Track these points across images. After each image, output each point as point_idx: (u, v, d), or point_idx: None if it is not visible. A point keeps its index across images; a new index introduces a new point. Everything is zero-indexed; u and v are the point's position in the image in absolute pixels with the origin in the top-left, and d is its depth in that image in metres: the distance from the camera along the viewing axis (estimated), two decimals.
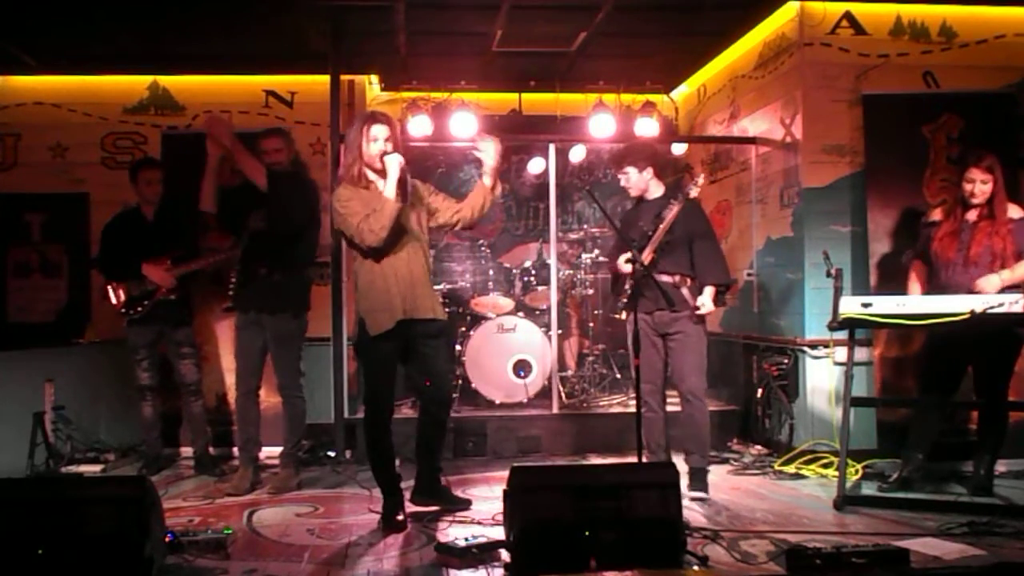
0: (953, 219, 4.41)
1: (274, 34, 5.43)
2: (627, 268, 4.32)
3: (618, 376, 6.44)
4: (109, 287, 5.00)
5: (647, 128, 6.36)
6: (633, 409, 4.26)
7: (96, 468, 5.16)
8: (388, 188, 3.79)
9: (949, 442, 4.75)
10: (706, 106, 6.70)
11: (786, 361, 5.33)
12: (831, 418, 4.93)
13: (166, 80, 5.99)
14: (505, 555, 3.27)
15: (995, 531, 3.61)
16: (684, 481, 4.34)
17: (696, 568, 3.18)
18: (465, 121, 6.08)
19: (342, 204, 3.87)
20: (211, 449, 5.30)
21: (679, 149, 6.91)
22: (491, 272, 6.62)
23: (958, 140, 5.08)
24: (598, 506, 3.10)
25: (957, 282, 4.29)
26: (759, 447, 5.47)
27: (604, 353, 6.45)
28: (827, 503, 4.17)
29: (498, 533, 3.49)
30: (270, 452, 5.00)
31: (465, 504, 4.18)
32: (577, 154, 7.01)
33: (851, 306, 4.10)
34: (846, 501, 4.09)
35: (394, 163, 3.80)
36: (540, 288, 6.35)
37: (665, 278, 4.36)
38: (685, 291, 4.39)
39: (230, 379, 5.22)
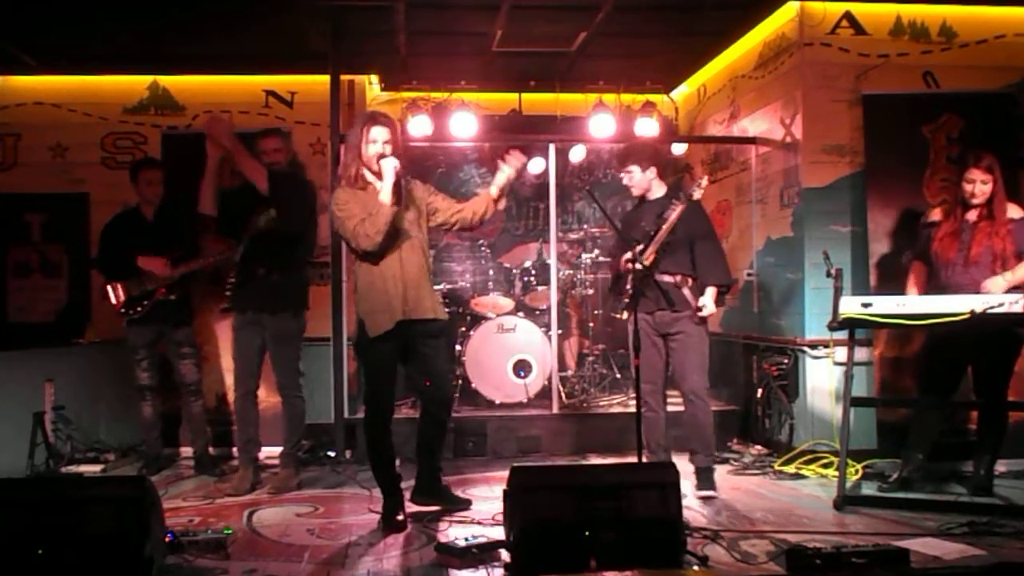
0: (953, 219, 4.41)
1: (274, 34, 5.43)
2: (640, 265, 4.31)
3: (618, 376, 6.44)
4: (109, 287, 5.00)
5: (647, 128, 6.36)
6: (633, 409, 4.26)
7: (96, 468, 5.16)
8: (384, 192, 3.79)
9: (949, 442, 4.75)
10: (706, 106, 6.70)
11: (786, 361, 5.33)
12: (831, 418, 4.93)
13: (166, 80, 5.98)
14: (505, 555, 3.27)
15: (995, 531, 3.61)
16: (691, 481, 4.41)
17: (696, 568, 3.18)
18: (465, 121, 6.09)
19: (339, 207, 3.88)
20: (211, 449, 5.30)
21: (679, 149, 6.91)
22: (491, 272, 6.62)
23: (958, 140, 5.08)
24: (598, 506, 3.10)
25: (957, 282, 4.29)
26: (759, 447, 5.47)
27: (604, 353, 6.45)
28: (827, 503, 4.17)
29: (498, 533, 3.49)
30: (270, 452, 5.00)
31: (465, 504, 4.18)
32: (577, 154, 7.01)
33: (851, 306, 4.10)
34: (846, 501, 4.09)
35: (390, 167, 3.80)
36: (540, 288, 6.35)
37: (666, 278, 4.37)
38: (686, 291, 4.39)
39: (230, 379, 5.21)
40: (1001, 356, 4.37)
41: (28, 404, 5.02)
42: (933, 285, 4.44)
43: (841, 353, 4.79)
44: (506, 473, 3.26)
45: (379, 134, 3.87)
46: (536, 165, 6.86)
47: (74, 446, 5.31)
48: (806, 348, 5.13)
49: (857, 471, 4.69)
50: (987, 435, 4.50)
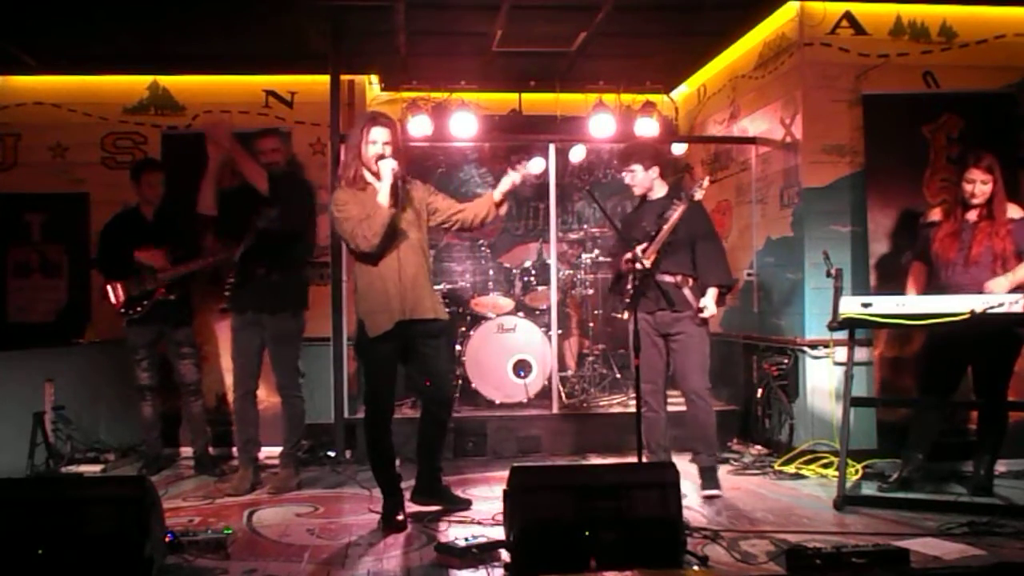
0: (953, 220, 4.41)
1: (274, 34, 5.43)
2: (643, 264, 4.30)
3: (618, 376, 6.44)
4: (109, 287, 5.00)
5: (647, 128, 6.36)
6: (633, 409, 4.26)
7: (96, 468, 5.16)
8: (381, 194, 3.79)
9: (949, 442, 4.74)
10: (706, 106, 6.70)
11: (786, 361, 5.33)
12: (831, 418, 4.93)
13: (166, 80, 5.99)
14: (505, 555, 3.27)
15: (995, 531, 3.61)
16: (691, 481, 4.42)
17: (696, 568, 3.18)
18: (465, 121, 6.09)
19: (338, 208, 3.88)
20: (211, 449, 5.30)
21: (679, 149, 6.91)
22: (491, 272, 6.62)
23: (958, 140, 5.08)
24: (598, 506, 3.10)
25: (957, 282, 4.29)
26: (759, 447, 5.47)
27: (604, 353, 6.45)
28: (827, 503, 4.17)
29: (498, 533, 3.49)
30: (270, 452, 5.00)
31: (465, 504, 4.18)
32: (577, 154, 7.01)
33: (851, 306, 4.09)
34: (846, 501, 4.09)
35: (387, 169, 3.80)
36: (540, 288, 6.35)
37: (667, 278, 4.37)
38: (687, 291, 4.39)
39: (230, 379, 5.21)
40: (1001, 356, 4.36)
41: (28, 404, 5.02)
42: (933, 285, 4.43)
43: (841, 353, 4.79)
44: (506, 473, 3.26)
45: (379, 135, 3.87)
46: (536, 165, 6.86)
47: (74, 446, 5.32)
48: (806, 348, 5.13)
49: (857, 471, 4.69)
50: (987, 435, 4.50)
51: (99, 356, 5.52)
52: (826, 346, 5.05)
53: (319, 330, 5.41)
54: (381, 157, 3.84)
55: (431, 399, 4.10)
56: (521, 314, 6.13)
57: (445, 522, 3.96)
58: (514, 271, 6.52)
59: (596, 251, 6.60)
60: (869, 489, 4.51)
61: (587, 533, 3.06)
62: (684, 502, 3.31)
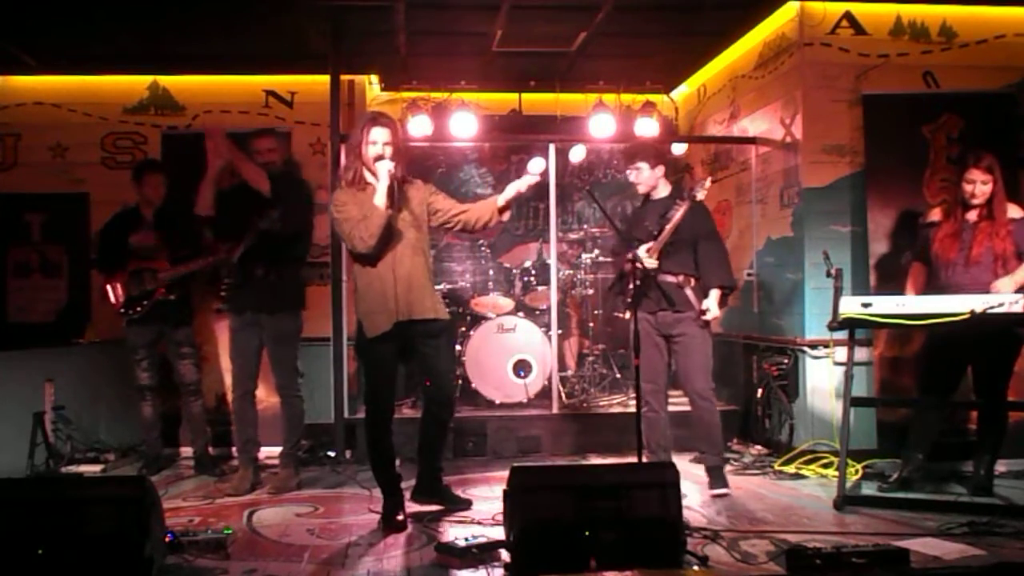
0: (953, 220, 4.40)
1: (274, 34, 5.43)
2: (649, 264, 4.31)
3: (618, 376, 6.45)
4: (109, 287, 5.00)
5: (647, 128, 6.35)
6: (633, 409, 4.26)
7: (96, 468, 5.16)
8: (378, 196, 3.79)
9: (949, 442, 4.74)
10: (706, 106, 6.70)
11: (786, 361, 5.33)
12: (831, 418, 4.93)
13: (166, 80, 5.99)
14: (505, 555, 3.27)
15: (995, 531, 3.61)
16: (697, 482, 4.46)
17: (696, 568, 3.18)
18: (465, 121, 6.09)
19: (338, 208, 3.89)
20: (211, 449, 5.30)
21: (679, 149, 6.91)
22: (491, 272, 6.62)
23: (958, 140, 5.08)
24: (598, 506, 3.09)
25: (958, 282, 4.29)
26: (759, 447, 5.47)
27: (604, 353, 6.45)
28: (827, 503, 4.17)
29: (498, 533, 3.49)
30: (270, 452, 5.00)
31: (465, 504, 4.18)
32: (577, 154, 7.01)
33: (851, 306, 4.09)
34: (846, 501, 4.09)
35: (384, 170, 3.80)
36: (540, 288, 6.35)
37: (669, 278, 4.37)
38: (689, 292, 4.39)
39: (229, 379, 5.21)
40: (1001, 356, 4.36)
41: (28, 404, 5.02)
42: (933, 285, 4.43)
43: (841, 353, 4.79)
44: (506, 473, 3.26)
45: (379, 135, 3.87)
46: (536, 165, 6.86)
47: (74, 446, 5.32)
48: (806, 348, 5.13)
49: (857, 471, 4.69)
50: (987, 435, 4.50)
51: (99, 356, 5.52)
52: (826, 346, 5.05)
53: (319, 330, 5.41)
54: (380, 157, 3.84)
55: (432, 399, 4.11)
56: (521, 314, 6.13)
57: (445, 522, 3.96)
58: (514, 271, 6.52)
59: (596, 251, 6.60)
60: (869, 489, 4.51)
61: (587, 533, 3.06)
62: (684, 502, 3.31)
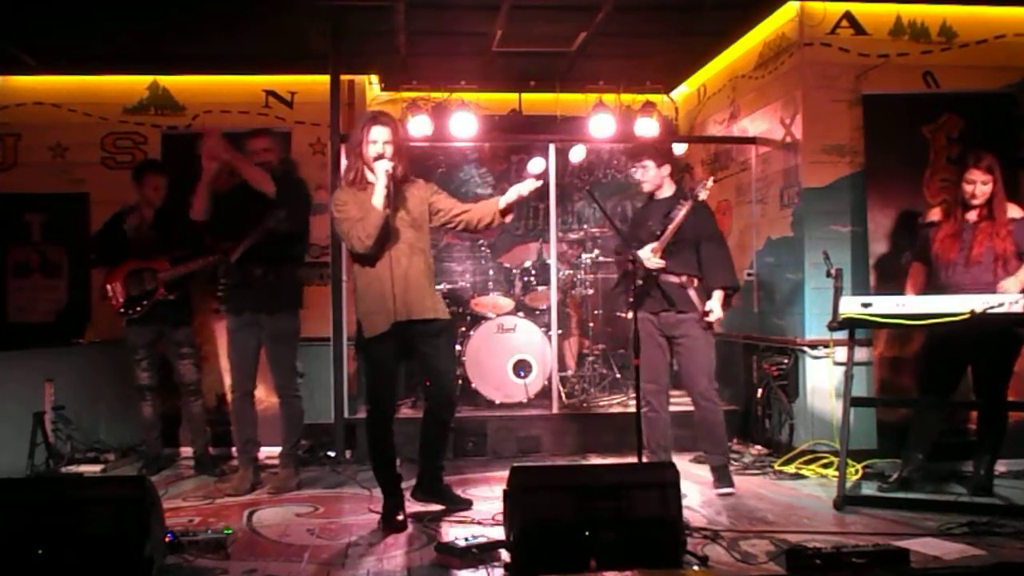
0: (953, 220, 4.40)
1: (274, 34, 5.43)
2: (655, 263, 4.30)
3: (618, 376, 6.45)
4: (108, 287, 5.00)
5: (647, 128, 6.35)
6: (633, 409, 4.26)
7: (96, 468, 5.16)
8: (376, 196, 3.79)
9: (949, 442, 4.74)
10: (706, 106, 6.70)
11: (786, 361, 5.33)
12: (831, 418, 4.93)
13: (166, 80, 5.99)
14: (505, 555, 3.27)
15: (995, 531, 3.61)
16: (698, 482, 4.48)
17: (696, 568, 3.18)
18: (465, 121, 6.09)
19: (338, 208, 3.89)
20: (211, 449, 5.30)
21: (679, 149, 6.91)
22: (491, 272, 6.62)
23: (958, 140, 5.08)
24: (598, 506, 3.09)
25: (958, 282, 4.29)
26: (759, 447, 5.47)
27: (604, 353, 6.45)
28: (827, 503, 4.17)
29: (498, 533, 3.49)
30: (269, 452, 4.99)
31: (466, 504, 4.18)
32: (577, 154, 7.01)
33: (851, 306, 4.09)
34: (846, 501, 4.09)
35: (382, 170, 3.79)
36: (540, 288, 6.35)
37: (672, 279, 4.37)
38: (692, 292, 4.39)
39: (230, 379, 5.22)
40: (1001, 356, 4.36)
41: (28, 404, 5.02)
42: (933, 285, 4.43)
43: (841, 353, 4.79)
44: (506, 473, 3.26)
45: (379, 134, 3.87)
46: (536, 165, 6.87)
47: (74, 446, 5.31)
48: (806, 348, 5.13)
49: (857, 471, 4.69)
50: (987, 435, 4.50)
51: (99, 356, 5.51)
52: (826, 346, 5.05)
53: (319, 330, 5.41)
54: (380, 157, 3.84)
55: (433, 398, 4.10)
56: (521, 314, 6.13)
57: (445, 522, 3.96)
58: (514, 271, 6.52)
59: (596, 251, 6.59)
60: (869, 489, 4.51)
61: (587, 533, 3.05)
62: (684, 502, 3.31)
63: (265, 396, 4.94)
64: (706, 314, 4.34)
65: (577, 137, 6.60)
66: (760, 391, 5.57)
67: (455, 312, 6.14)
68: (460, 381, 5.94)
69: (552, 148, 5.90)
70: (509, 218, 4.08)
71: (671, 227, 4.29)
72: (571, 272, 6.56)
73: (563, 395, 6.02)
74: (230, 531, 3.60)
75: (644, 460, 4.16)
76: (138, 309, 4.97)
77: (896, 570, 2.98)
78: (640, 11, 5.38)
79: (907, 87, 5.15)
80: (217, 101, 5.93)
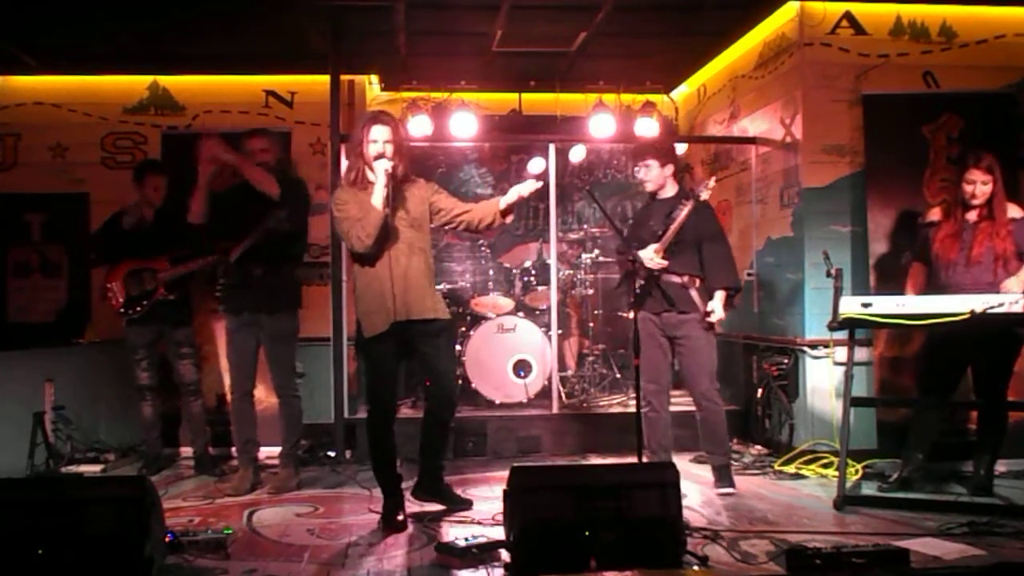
0: (953, 220, 4.40)
1: (274, 34, 5.43)
2: (657, 263, 4.30)
3: (618, 376, 6.45)
4: (108, 286, 5.00)
5: (647, 128, 6.36)
6: (633, 409, 4.26)
7: (96, 468, 5.16)
8: (375, 196, 3.79)
9: (949, 442, 4.74)
10: (706, 106, 6.70)
11: (786, 361, 5.33)
12: (831, 418, 4.93)
13: (166, 80, 5.98)
14: (505, 555, 3.27)
15: (995, 531, 3.61)
16: (698, 482, 4.49)
17: (696, 568, 3.18)
18: (465, 121, 6.09)
19: (338, 207, 3.89)
20: (211, 449, 5.30)
21: (679, 149, 6.90)
22: (491, 272, 6.62)
23: (958, 140, 5.08)
24: (598, 506, 3.09)
25: (958, 282, 4.29)
26: (759, 447, 5.47)
27: (604, 353, 6.45)
28: (827, 503, 4.17)
29: (498, 533, 3.48)
30: (269, 452, 5.00)
31: (466, 504, 4.18)
32: (577, 154, 7.01)
33: (851, 306, 4.09)
34: (846, 501, 4.09)
35: (381, 170, 3.79)
36: (540, 288, 6.35)
37: (674, 279, 4.37)
38: (693, 292, 4.39)
39: (229, 379, 5.22)
40: (1001, 356, 4.36)
41: (28, 404, 5.02)
42: (933, 285, 4.43)
43: (841, 353, 4.78)
44: (506, 473, 3.26)
45: (379, 133, 3.87)
46: (536, 165, 6.88)
47: (74, 446, 5.32)
48: (806, 348, 5.13)
49: (857, 471, 4.69)
50: (987, 435, 4.50)
51: (99, 356, 5.51)
52: (826, 346, 5.05)
53: (319, 330, 5.41)
54: (381, 156, 3.84)
55: (433, 398, 4.10)
56: (521, 314, 6.13)
57: (445, 522, 3.96)
58: (514, 271, 6.52)
59: (596, 251, 6.59)
60: (869, 489, 4.51)
61: (587, 533, 3.06)
62: (684, 502, 3.31)
63: (265, 396, 4.94)
64: (708, 314, 4.34)
65: (577, 137, 6.60)
66: (760, 391, 5.57)
67: (455, 312, 6.14)
68: (460, 381, 5.93)
69: (552, 148, 5.90)
70: (510, 219, 4.08)
71: (673, 227, 4.29)
72: (571, 272, 6.56)
73: (563, 395, 6.02)
74: (230, 531, 3.60)
75: (644, 460, 4.16)
76: (138, 309, 4.97)
77: (896, 570, 2.98)
78: (640, 11, 5.38)
79: (907, 87, 5.15)
80: (217, 101, 5.93)
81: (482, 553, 3.34)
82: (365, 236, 3.77)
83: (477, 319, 6.15)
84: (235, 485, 4.63)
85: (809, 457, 4.96)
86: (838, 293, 4.12)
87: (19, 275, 5.90)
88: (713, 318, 4.34)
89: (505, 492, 3.27)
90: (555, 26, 5.64)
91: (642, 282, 4.34)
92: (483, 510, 4.09)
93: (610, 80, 6.52)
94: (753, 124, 5.83)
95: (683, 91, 7.13)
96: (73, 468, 5.14)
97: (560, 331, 6.08)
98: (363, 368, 4.30)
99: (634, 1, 5.18)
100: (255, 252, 4.52)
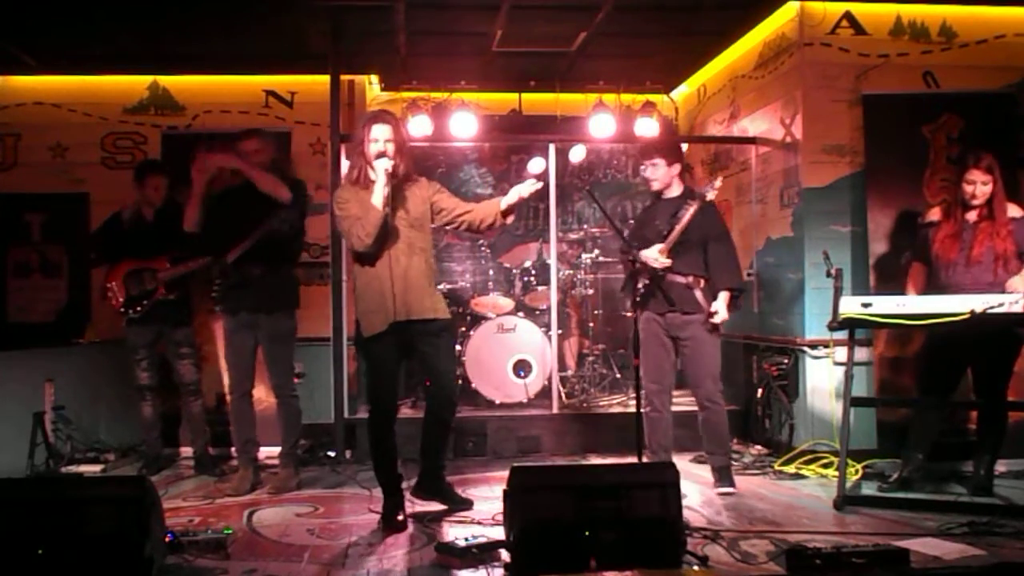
0: (953, 220, 4.40)
1: (274, 34, 5.43)
2: (662, 262, 4.30)
3: (618, 376, 6.45)
4: (108, 286, 5.00)
5: (647, 128, 6.36)
6: (633, 409, 4.26)
7: (96, 468, 5.16)
8: (375, 195, 3.79)
9: (949, 442, 4.74)
10: (706, 106, 6.70)
11: (786, 361, 5.33)
12: (831, 418, 4.93)
13: (166, 80, 5.99)
14: (505, 555, 3.27)
15: (995, 531, 3.61)
16: (698, 482, 4.49)
17: (696, 568, 3.18)
18: (465, 121, 6.09)
19: (339, 206, 3.89)
20: (211, 449, 5.30)
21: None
22: (491, 272, 6.62)
23: (958, 140, 5.08)
24: (598, 506, 3.09)
25: (958, 282, 4.29)
26: (759, 447, 5.48)
27: (604, 353, 6.45)
28: (827, 503, 4.17)
29: (498, 533, 3.48)
30: (269, 452, 5.00)
31: (466, 504, 4.18)
32: (577, 154, 7.00)
33: (851, 306, 4.09)
34: (846, 501, 4.09)
35: (381, 169, 3.79)
36: (540, 288, 6.35)
37: (679, 279, 4.36)
38: (698, 293, 4.38)
39: (228, 380, 5.21)
40: (1001, 356, 4.36)
41: (28, 404, 5.02)
42: (933, 285, 4.43)
43: (841, 353, 4.79)
44: (506, 473, 3.25)
45: (380, 132, 3.87)
46: (536, 165, 6.89)
47: (74, 446, 5.31)
48: (806, 348, 5.13)
49: (857, 471, 4.69)
50: (987, 435, 4.50)
51: (99, 356, 5.51)
52: (826, 346, 5.05)
53: (319, 330, 5.41)
54: (382, 155, 3.84)
55: (433, 398, 4.10)
56: (521, 314, 6.13)
57: (445, 522, 3.96)
58: (514, 271, 6.52)
59: (596, 251, 6.59)
60: (869, 489, 4.51)
61: (587, 533, 3.05)
62: (684, 502, 3.31)
63: (264, 396, 4.94)
64: (712, 315, 4.34)
65: (577, 137, 6.60)
66: (760, 391, 5.57)
67: (455, 312, 6.14)
68: (460, 381, 5.93)
69: (552, 148, 5.90)
70: (510, 219, 4.08)
71: (678, 227, 4.28)
72: (571, 272, 6.56)
73: (563, 395, 6.02)
74: (230, 531, 3.60)
75: (644, 460, 4.16)
76: (138, 309, 4.97)
77: (896, 570, 2.98)
78: (640, 11, 5.38)
79: (907, 87, 5.15)
80: (217, 101, 5.93)
81: (482, 553, 3.34)
82: (365, 235, 3.78)
83: (477, 319, 6.15)
84: (235, 485, 4.63)
85: (809, 457, 4.96)
86: (838, 293, 4.12)
87: (19, 275, 5.91)
88: (717, 319, 4.33)
89: (505, 492, 3.27)
90: (555, 26, 5.64)
91: (646, 282, 4.34)
92: (483, 510, 4.09)
93: (610, 80, 6.52)
94: (753, 124, 5.83)
95: (683, 91, 7.13)
96: (73, 468, 5.14)
97: (560, 331, 6.07)
98: (363, 368, 4.30)
99: (634, 1, 5.18)
100: (254, 252, 4.52)
